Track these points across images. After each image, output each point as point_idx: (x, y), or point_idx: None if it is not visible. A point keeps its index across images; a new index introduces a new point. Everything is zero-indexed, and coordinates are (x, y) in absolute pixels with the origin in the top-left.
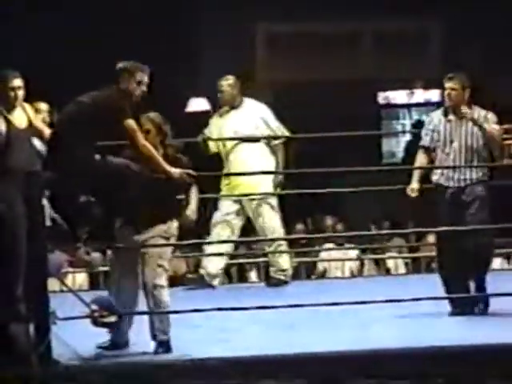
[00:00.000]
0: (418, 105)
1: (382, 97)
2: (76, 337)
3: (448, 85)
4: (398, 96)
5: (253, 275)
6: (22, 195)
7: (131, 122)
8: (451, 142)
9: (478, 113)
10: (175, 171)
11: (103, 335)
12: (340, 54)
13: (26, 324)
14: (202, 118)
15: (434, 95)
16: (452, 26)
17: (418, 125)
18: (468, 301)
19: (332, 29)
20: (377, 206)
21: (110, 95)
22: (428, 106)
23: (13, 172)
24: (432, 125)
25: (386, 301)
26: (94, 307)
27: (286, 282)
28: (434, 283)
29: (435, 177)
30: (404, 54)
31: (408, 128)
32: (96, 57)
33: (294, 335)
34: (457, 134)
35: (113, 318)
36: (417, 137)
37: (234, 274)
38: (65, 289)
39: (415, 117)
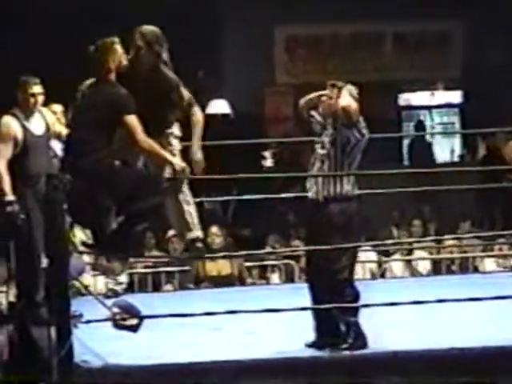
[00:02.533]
0: (439, 106)
1: (403, 98)
2: (97, 340)
3: None
4: (419, 97)
5: (275, 277)
6: (43, 199)
7: (132, 118)
8: None
9: None
10: (178, 163)
11: (124, 338)
12: (361, 56)
13: (47, 327)
14: (222, 121)
15: (455, 97)
16: (474, 26)
17: (419, 126)
18: None
19: (353, 31)
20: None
21: (114, 91)
22: (449, 107)
23: (31, 178)
24: None
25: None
26: (116, 310)
27: None
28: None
29: None
30: (425, 55)
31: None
32: None
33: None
34: None
35: (134, 321)
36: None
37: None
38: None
39: (436, 118)
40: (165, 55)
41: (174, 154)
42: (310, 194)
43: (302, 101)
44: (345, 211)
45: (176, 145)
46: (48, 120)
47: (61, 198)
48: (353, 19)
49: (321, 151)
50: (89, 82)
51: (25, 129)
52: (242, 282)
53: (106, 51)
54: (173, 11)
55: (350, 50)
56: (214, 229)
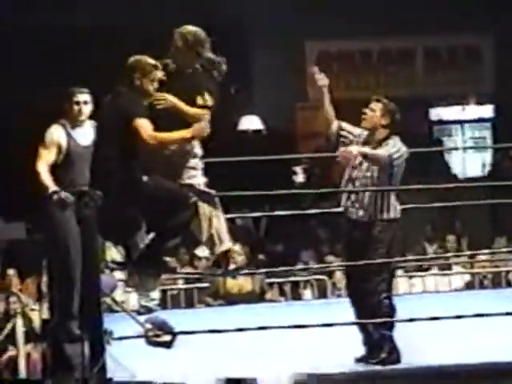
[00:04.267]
0: (470, 121)
1: (434, 113)
2: (130, 356)
3: None
4: (451, 112)
5: (307, 293)
6: (76, 215)
7: (138, 121)
8: None
9: None
10: (194, 129)
11: (158, 354)
12: (392, 71)
13: (80, 344)
14: (254, 137)
15: (486, 111)
16: (505, 40)
17: (438, 144)
18: None
19: (384, 46)
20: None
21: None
22: (481, 122)
23: (72, 188)
24: None
25: None
26: (148, 326)
27: None
28: None
29: None
30: (456, 69)
31: (459, 144)
32: None
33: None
34: None
35: (167, 337)
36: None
37: (288, 291)
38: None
39: (468, 133)
40: (208, 55)
41: (193, 176)
42: (352, 213)
43: (330, 114)
44: (389, 230)
45: (197, 165)
46: None
47: (92, 214)
48: (384, 34)
49: (359, 171)
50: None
51: (70, 137)
52: (263, 299)
53: (137, 69)
54: (203, 27)
55: (381, 65)
56: (236, 247)
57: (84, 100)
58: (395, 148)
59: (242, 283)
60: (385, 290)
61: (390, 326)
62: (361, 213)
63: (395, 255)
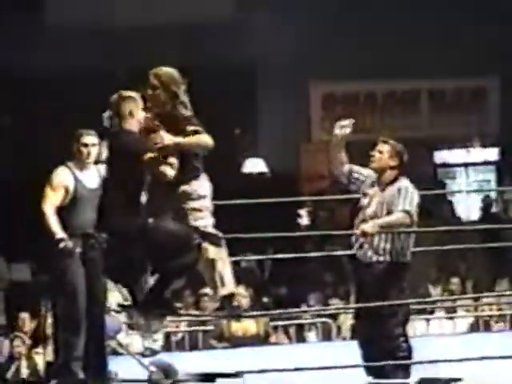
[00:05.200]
0: (475, 164)
1: (439, 156)
2: None
3: None
4: (455, 155)
5: (312, 335)
6: (81, 257)
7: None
8: None
9: None
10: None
11: None
12: (397, 113)
13: None
14: (258, 179)
15: (491, 154)
16: (510, 83)
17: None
18: None
19: (389, 88)
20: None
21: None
22: (485, 164)
23: (78, 230)
24: None
25: None
26: (153, 369)
27: None
28: None
29: None
30: (461, 112)
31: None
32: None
33: None
34: None
35: (171, 381)
36: None
37: (293, 333)
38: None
39: (472, 176)
40: (182, 96)
41: (200, 218)
42: (366, 256)
43: (335, 158)
44: (405, 273)
45: (202, 207)
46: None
47: (97, 256)
48: (389, 76)
49: (369, 210)
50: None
51: (77, 180)
52: (267, 342)
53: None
54: (211, 69)
55: (386, 107)
56: (240, 289)
57: (92, 142)
58: (407, 199)
59: (247, 326)
60: (401, 334)
61: (407, 370)
62: (376, 256)
63: (409, 297)
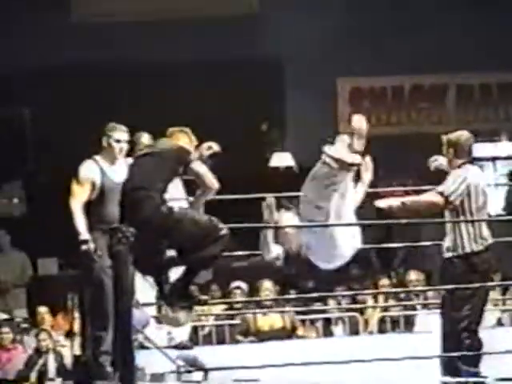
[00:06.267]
0: (502, 158)
1: None
2: None
3: None
4: (483, 149)
5: (339, 329)
6: (108, 250)
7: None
8: None
9: None
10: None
11: None
12: (424, 108)
13: (112, 380)
14: (286, 173)
15: None
16: None
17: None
18: None
19: (416, 82)
20: None
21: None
22: None
23: (106, 225)
24: None
25: None
26: (180, 363)
27: None
28: None
29: None
30: (489, 106)
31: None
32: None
33: None
34: None
35: (199, 374)
36: None
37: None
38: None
39: (500, 170)
40: None
41: None
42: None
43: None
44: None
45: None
46: None
47: (125, 250)
48: (416, 71)
49: None
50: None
51: (104, 175)
52: (295, 336)
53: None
54: (236, 64)
55: (413, 102)
56: (268, 284)
57: (124, 139)
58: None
59: (273, 320)
60: (466, 325)
61: (477, 362)
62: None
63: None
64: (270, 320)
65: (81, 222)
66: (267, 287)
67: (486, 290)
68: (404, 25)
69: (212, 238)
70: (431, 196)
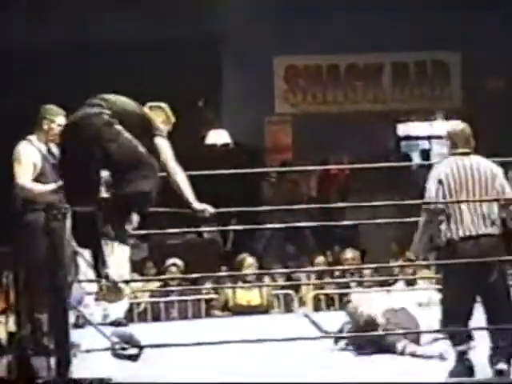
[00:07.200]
0: (438, 136)
1: (402, 129)
2: (96, 370)
3: None
4: (418, 128)
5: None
6: (44, 228)
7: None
8: None
9: None
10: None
11: (124, 367)
12: (360, 86)
13: (47, 357)
14: (222, 151)
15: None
16: (472, 56)
17: (423, 154)
18: None
19: (352, 61)
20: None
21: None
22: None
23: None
24: None
25: None
26: (115, 339)
27: None
28: None
29: None
30: (424, 85)
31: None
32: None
33: None
34: None
35: (134, 351)
36: None
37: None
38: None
39: (436, 148)
40: None
41: None
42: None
43: None
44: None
45: None
46: None
47: (60, 227)
48: (352, 49)
49: None
50: None
51: (41, 154)
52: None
53: None
54: (173, 42)
55: (349, 81)
56: (250, 260)
57: (63, 123)
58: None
59: (251, 296)
60: None
61: None
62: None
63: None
64: (247, 295)
65: (37, 185)
66: (250, 263)
67: None
68: (339, 4)
69: (145, 173)
70: (421, 219)
